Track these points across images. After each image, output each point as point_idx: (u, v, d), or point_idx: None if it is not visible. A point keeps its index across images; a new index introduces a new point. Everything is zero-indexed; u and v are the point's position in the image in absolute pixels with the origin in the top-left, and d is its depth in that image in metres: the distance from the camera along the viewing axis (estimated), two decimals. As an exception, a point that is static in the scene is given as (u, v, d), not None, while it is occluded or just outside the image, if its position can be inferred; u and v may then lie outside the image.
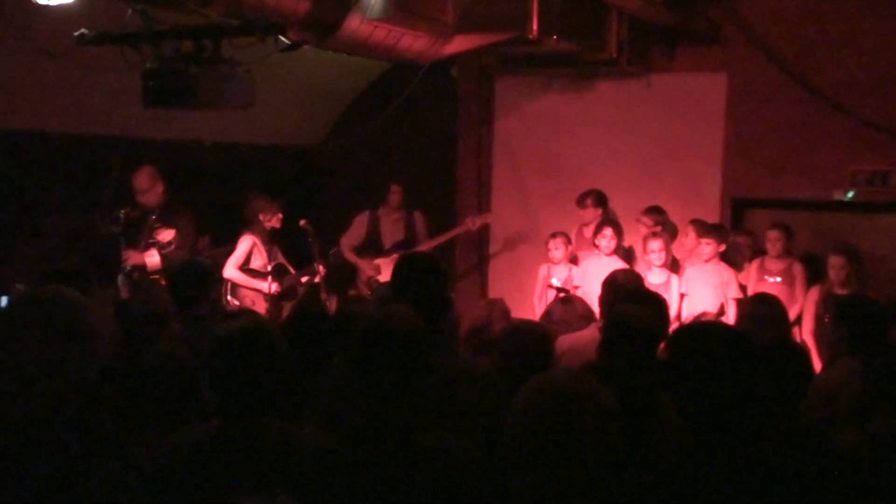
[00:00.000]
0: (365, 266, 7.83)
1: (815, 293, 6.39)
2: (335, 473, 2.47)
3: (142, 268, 6.33)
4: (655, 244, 6.61)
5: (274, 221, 7.02)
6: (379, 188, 8.01)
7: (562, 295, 6.23)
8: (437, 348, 3.16)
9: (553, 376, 2.33)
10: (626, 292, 4.40)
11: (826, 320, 5.03)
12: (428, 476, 2.44)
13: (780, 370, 3.06)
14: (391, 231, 7.91)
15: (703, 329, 2.54)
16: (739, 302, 6.59)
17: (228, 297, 6.90)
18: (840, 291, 6.13)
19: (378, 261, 7.83)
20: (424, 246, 7.75)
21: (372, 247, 7.90)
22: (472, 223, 7.96)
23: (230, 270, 6.90)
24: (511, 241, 8.67)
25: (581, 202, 7.49)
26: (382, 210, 7.96)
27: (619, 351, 3.46)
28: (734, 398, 2.33)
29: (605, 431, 2.18)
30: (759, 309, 4.53)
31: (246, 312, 5.22)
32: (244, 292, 6.94)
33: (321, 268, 7.07)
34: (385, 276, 7.73)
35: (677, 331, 2.60)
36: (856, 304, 4.26)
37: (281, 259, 7.13)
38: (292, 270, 7.16)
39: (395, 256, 7.71)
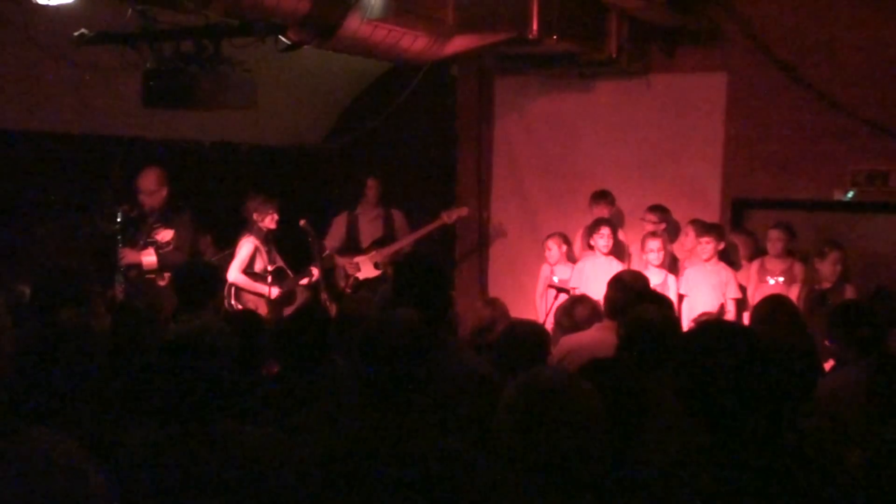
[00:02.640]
0: (345, 264, 7.85)
1: (804, 292, 6.37)
2: (292, 473, 2.48)
3: (138, 266, 6.32)
4: (654, 244, 6.60)
5: (268, 222, 6.92)
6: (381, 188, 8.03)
7: (563, 295, 6.24)
8: (438, 348, 3.17)
9: (539, 373, 2.33)
10: (635, 293, 4.41)
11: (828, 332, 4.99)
12: (427, 477, 2.44)
13: (789, 371, 3.05)
14: (369, 229, 7.94)
15: (713, 329, 2.54)
16: (740, 302, 6.61)
17: (233, 302, 6.87)
18: (824, 286, 6.12)
19: (357, 259, 7.85)
20: (402, 242, 7.78)
21: (351, 245, 7.94)
22: (447, 217, 7.94)
23: (235, 274, 6.84)
24: (511, 241, 8.67)
25: (596, 200, 7.46)
26: (360, 208, 7.98)
27: (640, 351, 3.48)
28: (743, 399, 2.33)
29: (589, 429, 2.19)
30: (772, 310, 4.53)
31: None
32: (248, 296, 6.92)
33: (315, 270, 7.07)
34: (364, 273, 7.80)
35: (688, 332, 2.60)
36: (852, 310, 4.24)
37: (280, 262, 7.11)
38: (290, 273, 7.15)
39: (373, 254, 7.82)
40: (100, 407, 2.98)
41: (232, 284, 6.85)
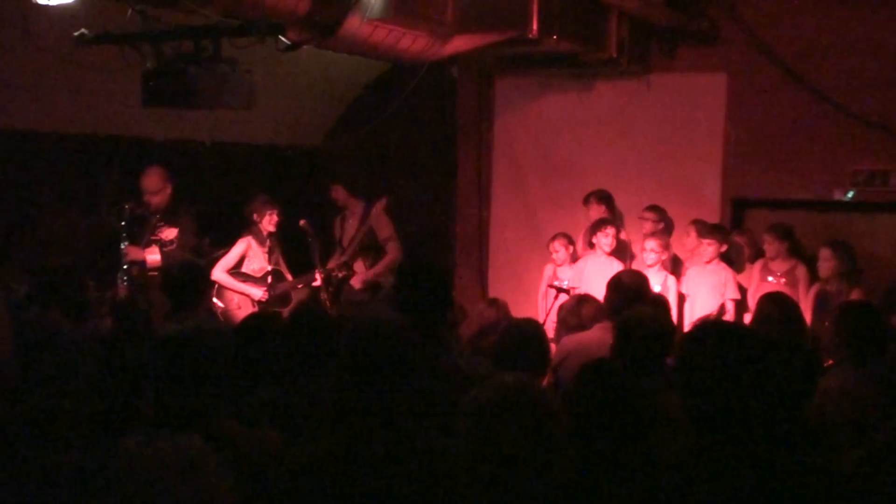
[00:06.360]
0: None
1: (812, 292, 6.38)
2: (290, 472, 2.48)
3: (141, 263, 6.34)
4: (651, 244, 6.59)
5: (266, 223, 6.85)
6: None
7: (563, 295, 6.24)
8: (437, 349, 3.17)
9: (499, 380, 2.35)
10: (633, 293, 4.41)
11: (826, 324, 5.02)
12: (422, 477, 2.44)
13: (790, 370, 3.05)
14: (349, 230, 7.75)
15: (714, 330, 2.54)
16: (739, 303, 6.60)
17: (214, 299, 6.86)
18: (829, 287, 6.12)
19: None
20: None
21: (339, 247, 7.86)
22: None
23: (217, 272, 6.82)
24: (511, 241, 8.66)
25: (587, 201, 7.47)
26: (347, 211, 7.82)
27: (634, 352, 3.47)
28: (743, 399, 2.33)
29: (545, 435, 2.19)
30: (771, 308, 4.53)
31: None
32: (230, 295, 6.91)
33: (319, 275, 6.98)
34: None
35: (689, 333, 2.60)
36: (854, 309, 4.24)
37: (281, 264, 7.07)
38: (289, 277, 7.09)
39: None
40: (90, 408, 2.98)
41: (215, 282, 6.84)
